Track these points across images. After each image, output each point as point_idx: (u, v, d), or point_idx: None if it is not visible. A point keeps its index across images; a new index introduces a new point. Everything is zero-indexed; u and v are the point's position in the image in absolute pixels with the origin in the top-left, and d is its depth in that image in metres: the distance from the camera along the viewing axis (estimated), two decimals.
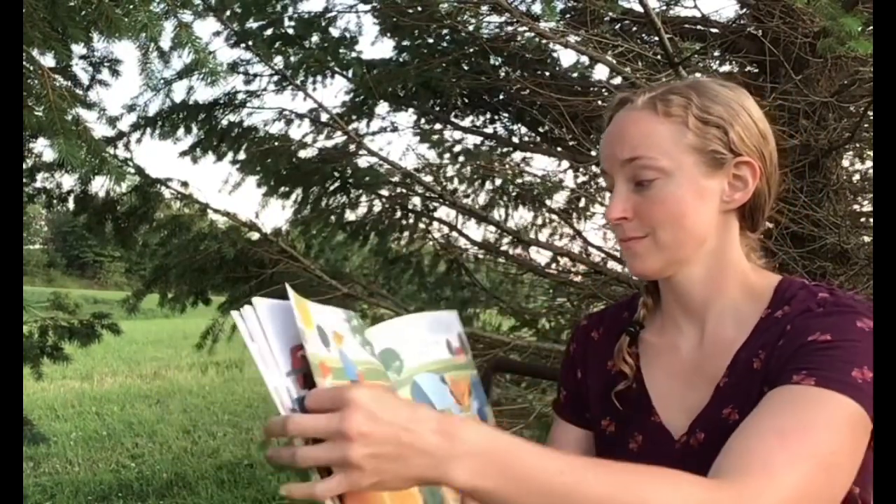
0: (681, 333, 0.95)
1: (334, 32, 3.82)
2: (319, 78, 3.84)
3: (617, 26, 3.30)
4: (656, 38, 2.51)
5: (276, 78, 3.75)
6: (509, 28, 3.37)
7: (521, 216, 4.27)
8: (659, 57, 2.71)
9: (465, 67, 3.69)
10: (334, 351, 0.80)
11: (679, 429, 0.91)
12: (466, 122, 4.20)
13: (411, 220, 4.15)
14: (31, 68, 1.88)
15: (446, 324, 1.02)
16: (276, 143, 3.71)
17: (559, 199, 4.12)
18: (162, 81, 3.48)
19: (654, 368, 0.96)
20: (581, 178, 4.11)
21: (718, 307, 0.92)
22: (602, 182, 4.11)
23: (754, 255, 0.95)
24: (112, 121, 3.67)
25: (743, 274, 0.92)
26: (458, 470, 0.65)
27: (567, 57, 4.75)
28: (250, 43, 3.54)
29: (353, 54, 3.80)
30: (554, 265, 3.74)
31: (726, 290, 0.91)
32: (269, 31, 3.67)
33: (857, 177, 3.26)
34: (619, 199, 0.89)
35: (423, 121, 4.16)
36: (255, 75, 3.80)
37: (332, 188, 4.05)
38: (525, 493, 0.65)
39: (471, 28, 3.35)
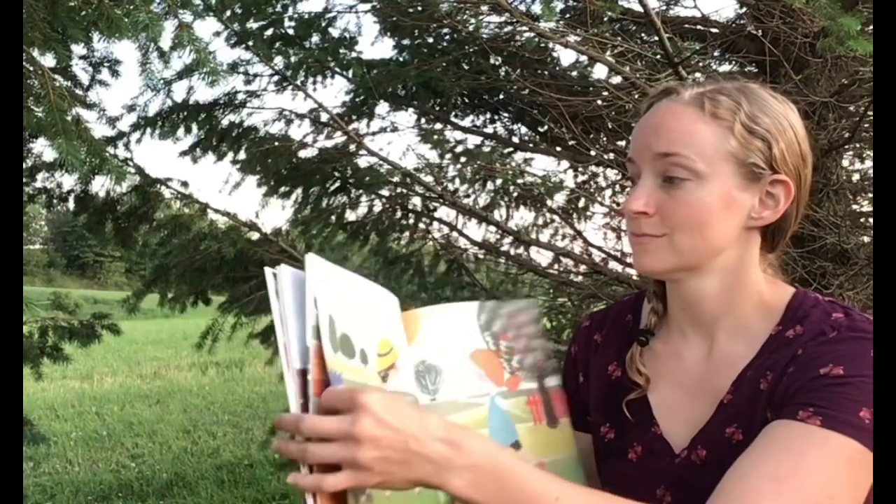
0: (686, 343, 0.92)
1: (334, 32, 3.82)
2: (319, 78, 3.84)
3: (616, 26, 3.30)
4: (656, 38, 2.51)
5: (276, 78, 3.75)
6: (509, 28, 3.37)
7: (522, 216, 4.27)
8: (659, 57, 2.71)
9: (465, 67, 3.69)
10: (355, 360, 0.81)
11: (680, 442, 0.89)
12: (466, 122, 4.20)
13: (411, 221, 4.14)
14: (31, 68, 1.88)
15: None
16: (276, 143, 3.70)
17: (559, 199, 4.11)
18: (162, 81, 3.47)
19: (657, 378, 0.93)
20: (581, 178, 4.11)
21: (730, 322, 0.89)
22: (601, 182, 4.11)
23: (771, 270, 0.93)
24: (112, 121, 3.66)
25: (758, 291, 0.89)
26: (456, 480, 0.68)
27: (567, 57, 4.76)
28: (250, 43, 3.54)
29: (353, 54, 3.80)
30: (555, 265, 3.74)
31: (739, 305, 0.88)
32: (269, 32, 3.67)
33: (856, 177, 3.26)
34: (644, 191, 0.85)
35: (423, 121, 4.16)
36: (255, 75, 3.79)
37: (332, 188, 4.04)
38: None
39: (471, 28, 3.35)
